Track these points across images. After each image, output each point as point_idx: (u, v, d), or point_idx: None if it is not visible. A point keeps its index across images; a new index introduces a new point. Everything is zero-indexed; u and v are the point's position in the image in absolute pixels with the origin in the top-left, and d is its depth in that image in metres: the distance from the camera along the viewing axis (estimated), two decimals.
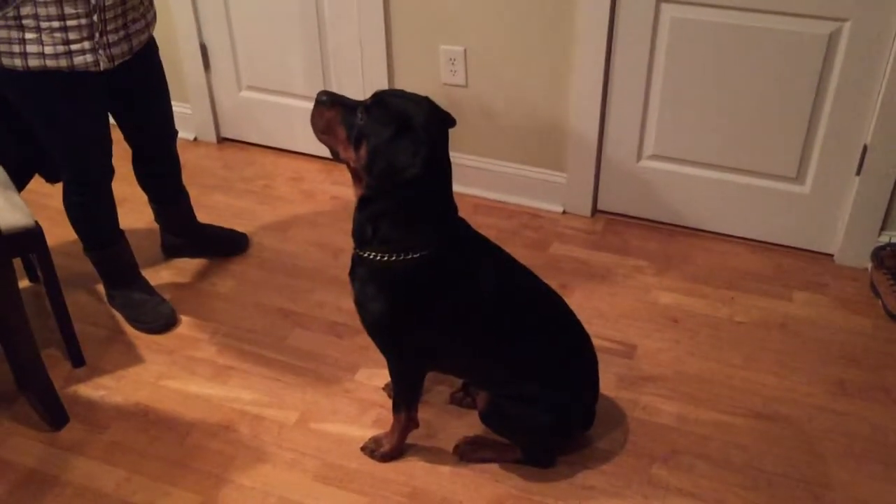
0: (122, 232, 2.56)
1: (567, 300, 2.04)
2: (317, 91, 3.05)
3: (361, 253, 1.84)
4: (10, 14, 2.00)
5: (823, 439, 2.14)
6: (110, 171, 2.41)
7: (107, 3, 2.07)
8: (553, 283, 2.61)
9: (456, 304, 1.85)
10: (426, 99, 1.79)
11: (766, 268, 2.71)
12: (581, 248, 2.82)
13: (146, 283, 2.61)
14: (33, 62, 2.05)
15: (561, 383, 1.95)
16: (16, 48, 2.04)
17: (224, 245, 2.81)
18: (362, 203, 1.80)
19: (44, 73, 2.08)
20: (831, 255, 2.72)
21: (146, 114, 2.44)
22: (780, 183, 2.67)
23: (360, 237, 1.83)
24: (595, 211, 2.96)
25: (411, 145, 1.68)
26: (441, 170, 1.79)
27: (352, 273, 1.90)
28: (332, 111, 1.79)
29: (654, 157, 2.79)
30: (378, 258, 1.81)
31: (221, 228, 2.85)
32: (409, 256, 1.79)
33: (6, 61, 2.06)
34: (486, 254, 1.93)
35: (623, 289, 2.64)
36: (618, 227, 2.91)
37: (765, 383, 2.29)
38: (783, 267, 2.71)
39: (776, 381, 2.30)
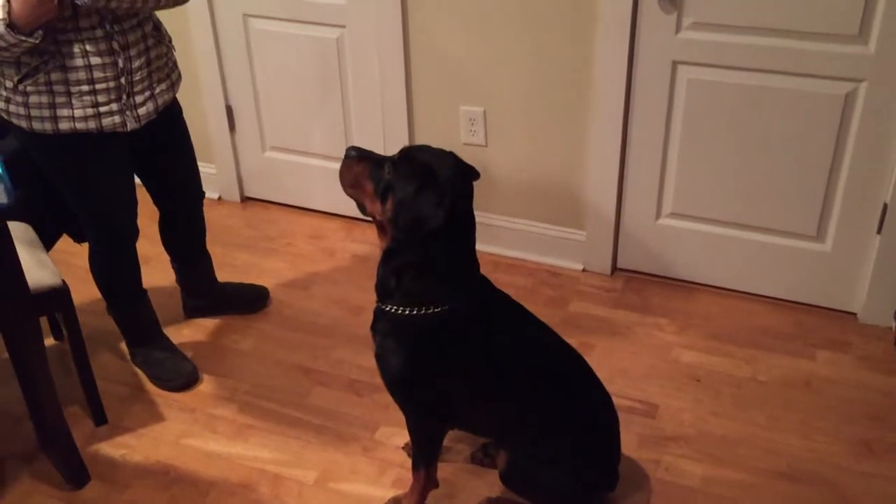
0: (144, 291, 2.59)
1: (587, 358, 2.04)
2: (339, 151, 3.12)
3: (384, 306, 1.86)
4: (41, 80, 2.06)
5: (851, 502, 2.10)
6: (135, 232, 2.45)
7: (134, 66, 2.14)
8: (573, 341, 2.61)
9: (476, 360, 1.86)
10: (451, 153, 1.84)
11: (788, 326, 2.69)
12: (601, 306, 2.82)
13: (168, 340, 2.63)
14: (63, 125, 2.11)
15: (582, 443, 1.94)
16: (46, 112, 2.09)
17: (245, 301, 2.83)
18: (387, 256, 1.83)
19: (72, 135, 2.13)
20: (854, 314, 2.70)
21: (171, 174, 2.50)
22: (800, 241, 2.67)
23: (384, 290, 1.85)
24: (615, 269, 2.97)
25: (435, 197, 1.72)
26: (464, 223, 1.82)
27: (373, 327, 1.91)
28: (360, 166, 1.83)
29: (673, 215, 2.80)
30: (400, 311, 1.83)
31: (241, 284, 2.88)
32: (431, 311, 1.81)
33: (36, 125, 2.11)
34: (508, 311, 1.94)
35: (644, 347, 2.63)
36: (638, 284, 2.91)
37: (790, 443, 2.26)
38: (805, 325, 2.69)
39: (801, 442, 2.27)
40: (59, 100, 2.08)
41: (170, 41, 2.32)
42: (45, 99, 2.08)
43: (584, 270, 2.98)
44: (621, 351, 2.61)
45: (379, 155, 1.84)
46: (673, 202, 2.78)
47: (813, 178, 2.55)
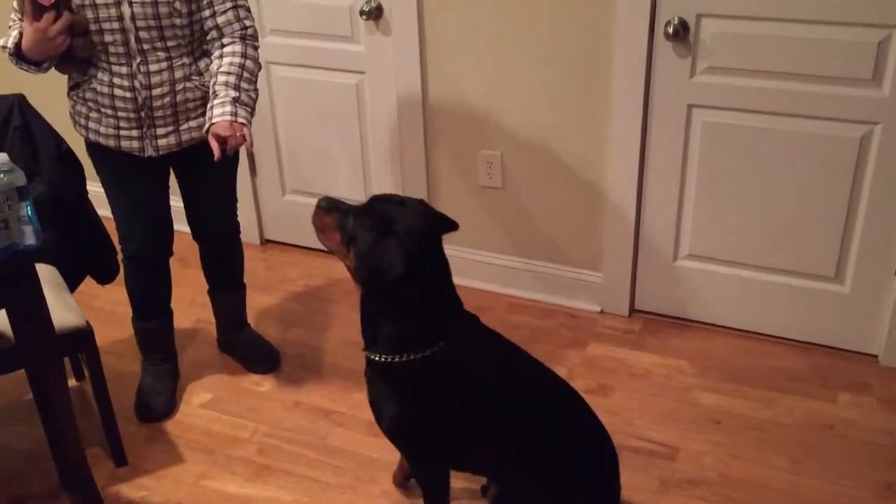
0: (167, 311, 2.64)
1: (606, 401, 2.04)
2: (358, 194, 3.17)
3: (370, 354, 1.86)
4: (81, 94, 2.29)
5: None
6: (158, 249, 2.50)
7: (155, 104, 2.24)
8: (591, 384, 2.63)
9: (467, 402, 1.85)
10: (418, 202, 1.84)
11: (808, 368, 2.67)
12: (619, 348, 2.82)
13: (168, 371, 2.66)
14: (91, 135, 2.33)
15: (576, 482, 1.91)
16: (81, 120, 2.34)
17: (252, 358, 2.79)
18: (363, 304, 1.85)
19: (99, 144, 2.31)
20: (875, 356, 2.68)
21: (203, 203, 2.54)
22: (818, 283, 2.67)
23: (367, 338, 1.87)
24: (632, 310, 2.97)
25: (393, 248, 1.72)
26: (433, 271, 1.82)
27: (366, 373, 1.92)
28: (329, 216, 1.86)
29: (691, 256, 2.81)
30: (385, 359, 1.83)
31: (259, 342, 2.83)
32: (414, 357, 1.81)
33: (77, 129, 2.37)
34: (495, 349, 1.93)
35: (663, 389, 2.62)
36: (656, 326, 2.91)
37: (812, 487, 2.24)
38: (825, 368, 2.67)
39: (823, 486, 2.24)
40: (92, 114, 2.30)
41: None
42: (82, 109, 2.32)
43: (601, 312, 2.99)
44: (640, 393, 2.60)
45: (348, 205, 1.85)
46: (690, 244, 2.79)
47: (830, 220, 2.56)
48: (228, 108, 2.17)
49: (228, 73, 2.22)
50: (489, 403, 1.86)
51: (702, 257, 2.80)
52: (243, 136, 2.15)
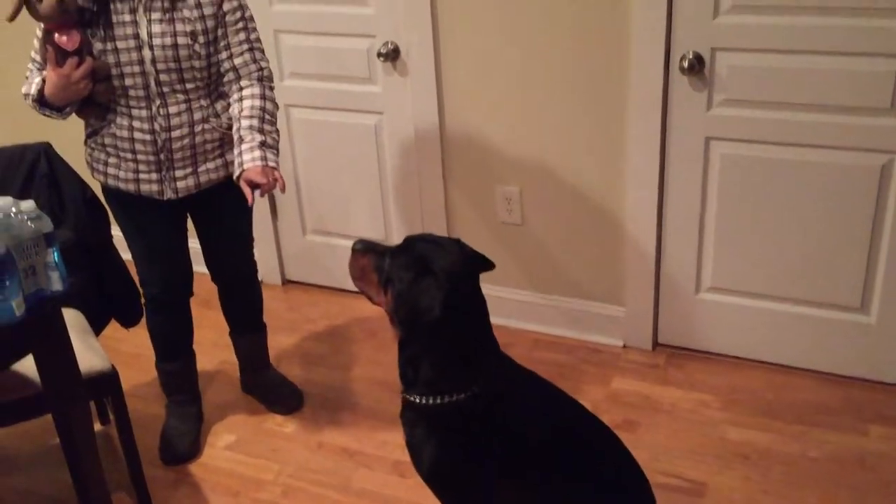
0: (190, 352, 2.66)
1: (632, 436, 2.02)
2: (378, 233, 3.19)
3: (408, 396, 1.86)
4: (99, 140, 2.32)
5: None
6: (178, 291, 2.53)
7: (174, 146, 2.28)
8: (617, 419, 2.60)
9: (507, 444, 1.82)
10: (455, 242, 1.85)
11: (837, 400, 2.64)
12: (643, 383, 2.79)
13: (191, 413, 2.67)
14: (110, 181, 2.36)
15: None
16: (100, 167, 2.36)
17: (276, 398, 2.79)
18: (401, 346, 1.84)
19: (118, 189, 2.35)
20: None
21: (220, 245, 2.56)
22: (844, 313, 2.65)
23: (405, 379, 1.85)
24: (656, 344, 2.95)
25: (431, 289, 1.72)
26: (471, 311, 1.81)
27: (402, 415, 1.91)
28: (365, 258, 1.85)
29: (713, 289, 2.80)
30: (424, 401, 1.82)
31: (283, 382, 2.84)
32: (454, 398, 1.80)
33: (96, 175, 2.39)
34: (534, 390, 1.91)
35: (689, 424, 2.59)
36: (680, 360, 2.89)
37: None
38: (854, 399, 2.64)
39: None
40: (111, 160, 2.33)
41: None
42: (100, 155, 2.35)
43: (624, 346, 2.97)
44: (666, 428, 2.58)
45: (384, 246, 1.86)
46: (712, 276, 2.77)
47: (853, 250, 2.54)
48: (258, 153, 2.20)
49: (251, 117, 2.25)
50: (530, 445, 1.84)
51: (724, 290, 2.78)
52: (275, 179, 2.18)
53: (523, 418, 1.85)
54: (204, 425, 2.73)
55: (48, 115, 2.23)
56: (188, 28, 2.19)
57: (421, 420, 1.85)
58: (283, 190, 2.22)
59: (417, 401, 1.83)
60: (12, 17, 2.09)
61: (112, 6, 2.15)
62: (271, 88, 2.33)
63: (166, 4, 2.17)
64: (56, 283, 1.88)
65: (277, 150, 2.27)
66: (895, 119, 2.36)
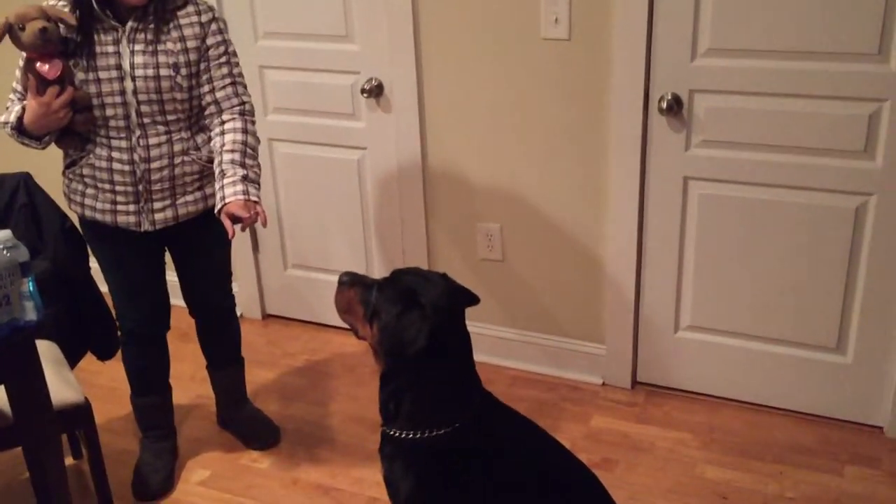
0: (166, 387, 2.64)
1: (611, 475, 2.01)
2: (360, 267, 3.19)
3: (388, 430, 1.85)
4: (77, 171, 2.31)
5: None
6: (155, 325, 2.51)
7: (153, 178, 2.28)
8: (595, 458, 2.60)
9: (486, 482, 1.81)
10: (441, 276, 1.86)
11: (814, 441, 2.64)
12: (623, 421, 2.79)
13: (166, 448, 2.64)
14: (87, 212, 2.35)
15: None
16: (77, 198, 2.35)
17: (252, 434, 2.77)
18: (383, 380, 1.84)
19: (95, 221, 2.33)
20: (881, 428, 2.65)
21: (197, 278, 2.55)
22: (820, 353, 2.66)
23: (386, 414, 1.85)
24: (635, 383, 2.95)
25: (417, 321, 1.73)
26: (455, 345, 1.82)
27: (381, 450, 1.90)
28: (352, 291, 1.86)
29: (692, 327, 2.81)
30: (404, 435, 1.81)
31: (257, 417, 2.81)
32: (434, 433, 1.79)
33: (73, 206, 2.38)
34: (514, 428, 1.91)
35: (668, 463, 2.58)
36: (659, 398, 2.89)
37: None
38: (831, 440, 2.64)
39: None
40: (88, 191, 2.32)
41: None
42: (78, 186, 2.33)
43: (604, 384, 2.97)
44: (645, 467, 2.57)
45: (370, 279, 1.87)
46: (691, 315, 2.79)
47: (829, 290, 2.57)
48: (240, 187, 2.21)
49: (233, 151, 2.26)
50: (509, 483, 1.83)
51: (703, 328, 2.79)
52: (257, 213, 2.19)
53: (503, 456, 1.84)
54: (178, 460, 2.69)
55: (26, 144, 2.22)
56: (171, 60, 2.21)
57: (400, 455, 1.84)
58: (264, 224, 2.22)
59: (398, 435, 1.82)
60: None
61: (96, 37, 2.17)
62: (253, 123, 2.35)
63: (150, 36, 2.18)
64: (30, 313, 1.87)
65: (259, 184, 2.28)
66: (869, 161, 2.40)
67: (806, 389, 2.71)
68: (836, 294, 2.57)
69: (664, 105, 2.53)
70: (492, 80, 2.75)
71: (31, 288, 1.86)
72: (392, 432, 1.84)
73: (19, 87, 2.24)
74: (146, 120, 2.23)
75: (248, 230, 3.30)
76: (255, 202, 2.21)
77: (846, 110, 2.37)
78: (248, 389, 2.89)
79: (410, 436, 1.81)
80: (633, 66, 2.53)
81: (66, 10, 2.15)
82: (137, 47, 2.18)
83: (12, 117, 2.19)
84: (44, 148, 2.25)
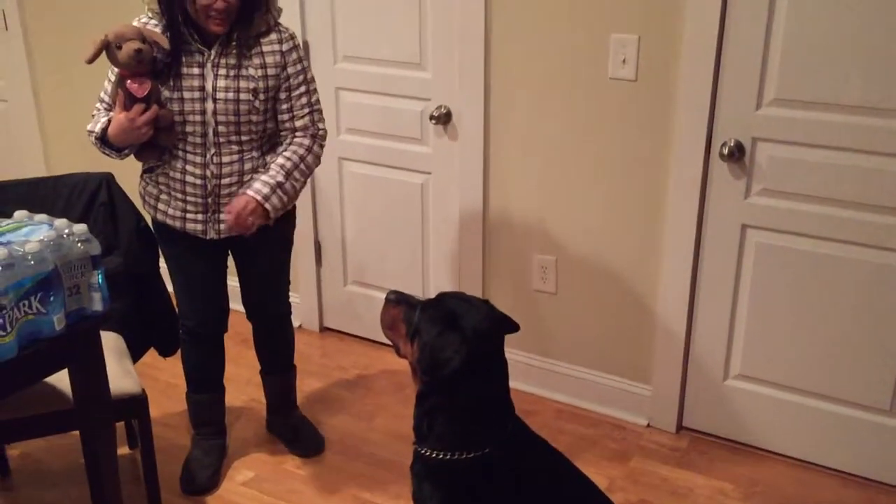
0: (220, 387, 2.74)
1: None
2: (415, 289, 3.25)
3: (420, 449, 1.89)
4: (153, 177, 2.45)
5: None
6: (213, 325, 2.62)
7: (223, 192, 2.40)
8: (632, 499, 2.59)
9: None
10: (484, 302, 1.90)
11: (859, 503, 2.57)
12: (663, 465, 2.77)
13: (216, 446, 2.73)
14: (159, 216, 2.49)
15: None
16: (151, 201, 2.49)
17: (298, 441, 2.84)
18: (419, 398, 1.88)
19: (166, 225, 2.46)
20: None
21: (255, 284, 2.66)
22: (872, 415, 2.60)
23: (419, 432, 1.89)
24: (680, 427, 2.93)
25: (455, 343, 1.78)
26: (492, 371, 1.85)
27: (412, 467, 1.94)
28: (397, 309, 1.93)
29: (741, 377, 2.78)
30: (434, 455, 1.85)
31: (306, 427, 2.88)
32: (465, 456, 1.82)
33: (147, 208, 2.52)
34: (545, 459, 1.92)
35: None
36: (703, 445, 2.86)
37: None
38: (877, 503, 2.57)
39: None
40: (162, 196, 2.46)
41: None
42: (153, 191, 2.48)
43: (648, 426, 2.95)
44: None
45: (416, 299, 1.93)
46: (741, 364, 2.76)
47: (885, 350, 2.51)
48: (266, 191, 2.33)
49: (288, 159, 2.39)
50: None
51: (752, 378, 2.76)
52: (248, 226, 2.31)
53: (531, 486, 1.86)
54: (226, 459, 2.79)
55: (107, 154, 2.36)
56: (251, 85, 2.33)
57: (429, 474, 1.88)
58: (245, 231, 2.33)
59: (428, 454, 1.87)
60: (91, 60, 2.24)
61: (183, 58, 2.30)
62: (321, 146, 2.47)
63: (232, 62, 2.31)
64: (97, 304, 1.98)
65: (290, 198, 2.39)
66: None
67: (855, 450, 2.65)
68: (891, 355, 2.51)
69: (726, 151, 2.53)
70: (557, 114, 2.80)
71: (100, 280, 1.97)
72: (423, 451, 1.88)
73: (107, 98, 2.39)
74: (222, 139, 2.35)
75: (314, 244, 3.43)
76: (262, 207, 2.31)
77: None
78: (299, 398, 2.97)
79: (441, 456, 1.85)
80: (698, 110, 2.55)
81: (159, 31, 2.29)
82: (221, 72, 2.31)
83: (98, 127, 2.33)
84: (122, 159, 2.39)
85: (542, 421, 2.94)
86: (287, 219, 2.56)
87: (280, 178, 2.36)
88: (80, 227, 1.95)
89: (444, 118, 3.01)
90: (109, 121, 2.30)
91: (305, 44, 3.21)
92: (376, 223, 3.33)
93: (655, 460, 2.79)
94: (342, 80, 3.21)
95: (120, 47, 2.20)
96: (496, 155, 2.96)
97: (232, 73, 2.31)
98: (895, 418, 2.57)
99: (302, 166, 2.40)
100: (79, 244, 1.93)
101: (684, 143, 2.60)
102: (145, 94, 2.24)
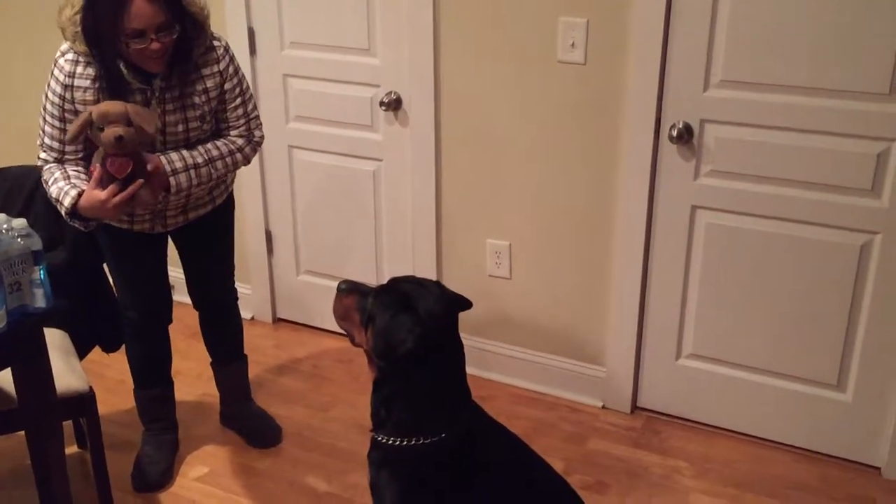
0: (168, 380, 2.69)
1: (603, 498, 2.02)
2: (370, 277, 3.23)
3: (377, 436, 1.88)
4: None
5: None
6: (156, 317, 2.57)
7: (170, 205, 2.38)
8: (588, 480, 2.61)
9: (469, 495, 1.84)
10: (436, 284, 1.90)
11: (811, 478, 2.63)
12: (619, 445, 2.79)
13: (167, 441, 2.69)
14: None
15: None
16: None
17: (254, 432, 2.82)
18: (376, 385, 1.88)
19: (111, 225, 2.40)
20: (878, 468, 2.64)
21: (201, 267, 2.62)
22: (820, 389, 2.65)
23: (376, 420, 1.88)
24: (634, 408, 2.96)
25: (408, 324, 1.77)
26: (447, 353, 1.85)
27: (369, 455, 1.93)
28: (349, 298, 1.91)
29: (693, 356, 2.81)
30: (392, 442, 1.84)
31: (261, 416, 2.86)
32: (422, 442, 1.82)
33: None
34: (502, 444, 1.93)
35: (661, 490, 2.59)
36: (658, 425, 2.89)
37: None
38: (828, 478, 2.63)
39: None
40: None
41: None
42: None
43: (603, 407, 2.98)
44: (637, 493, 2.57)
45: (368, 287, 1.92)
46: (693, 343, 2.80)
47: (831, 326, 2.57)
48: (178, 164, 2.24)
49: (218, 148, 2.35)
50: (491, 498, 1.85)
51: (704, 357, 2.80)
52: (132, 189, 2.13)
53: (488, 470, 1.86)
54: (179, 455, 2.75)
55: (73, 224, 2.22)
56: (198, 112, 2.30)
57: (387, 462, 1.87)
58: (125, 199, 2.14)
59: (386, 441, 1.86)
60: (74, 138, 2.13)
61: (130, 97, 2.20)
62: (254, 150, 2.45)
63: (176, 93, 2.26)
64: (40, 301, 1.93)
65: (199, 184, 2.30)
66: (876, 200, 2.41)
67: (805, 425, 2.70)
68: (838, 331, 2.56)
69: (675, 133, 2.55)
70: (507, 99, 2.79)
71: (41, 276, 1.92)
72: (381, 438, 1.87)
73: (56, 145, 2.23)
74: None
75: (264, 234, 3.39)
76: (164, 177, 2.20)
77: (855, 148, 2.38)
78: (253, 391, 2.93)
79: (398, 443, 1.84)
80: (646, 93, 2.56)
81: (89, 71, 2.16)
82: (168, 107, 2.26)
83: (67, 201, 2.15)
84: (88, 230, 2.26)
85: (499, 406, 2.94)
86: (227, 206, 2.55)
87: (199, 160, 2.29)
88: (20, 222, 1.89)
89: (394, 104, 2.98)
90: (79, 194, 2.14)
91: (251, 31, 3.16)
92: (328, 212, 3.30)
93: (611, 441, 2.82)
94: (290, 67, 3.16)
95: (102, 129, 2.08)
96: (448, 140, 2.94)
97: (178, 104, 2.27)
98: (843, 393, 2.63)
99: (228, 159, 2.36)
100: (18, 239, 1.87)
101: (634, 126, 2.61)
102: (124, 175, 2.12)
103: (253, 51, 3.18)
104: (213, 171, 2.33)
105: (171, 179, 2.24)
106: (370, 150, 3.12)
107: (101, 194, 2.11)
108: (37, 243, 1.90)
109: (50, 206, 2.60)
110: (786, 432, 2.74)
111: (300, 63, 3.13)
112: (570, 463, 2.70)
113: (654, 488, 2.59)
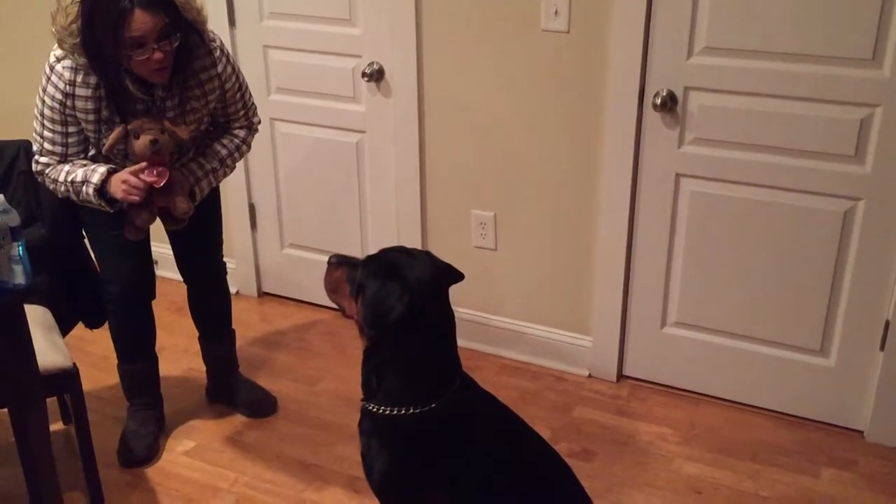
0: (152, 355, 2.68)
1: (589, 465, 2.03)
2: (355, 250, 3.22)
3: (368, 405, 1.88)
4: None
5: None
6: (139, 290, 2.56)
7: (158, 189, 2.32)
8: (575, 448, 2.63)
9: (459, 464, 1.84)
10: (425, 253, 1.89)
11: (793, 442, 2.66)
12: (605, 413, 2.81)
13: (152, 416, 2.68)
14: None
15: None
16: None
17: (251, 404, 2.82)
18: (366, 355, 1.87)
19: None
20: (861, 432, 2.67)
21: (189, 241, 2.59)
22: (804, 355, 2.67)
23: (367, 389, 1.88)
24: (620, 376, 2.97)
25: (397, 291, 1.77)
26: (437, 322, 1.84)
27: (360, 425, 1.93)
28: (339, 270, 1.91)
29: (678, 324, 2.83)
30: (382, 411, 1.85)
31: (255, 387, 2.87)
32: (412, 411, 1.82)
33: None
34: (492, 413, 1.93)
35: (646, 456, 2.61)
36: (643, 392, 2.91)
37: None
38: (811, 442, 2.66)
39: None
40: None
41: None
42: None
43: (589, 376, 2.99)
44: (623, 460, 2.59)
45: (357, 259, 1.91)
46: (678, 311, 2.81)
47: (815, 293, 2.58)
48: (199, 173, 2.37)
49: (225, 146, 2.43)
50: (482, 469, 1.86)
51: (689, 325, 2.81)
52: (185, 210, 2.29)
53: (478, 440, 1.86)
54: (165, 430, 2.74)
55: (99, 205, 2.25)
56: (197, 116, 2.30)
57: (377, 431, 1.87)
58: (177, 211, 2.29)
59: (376, 410, 1.86)
60: (110, 148, 2.20)
61: (129, 108, 2.20)
62: (253, 136, 2.51)
63: (176, 101, 2.25)
64: (19, 277, 1.91)
65: (215, 182, 2.45)
66: (859, 166, 2.41)
67: (789, 390, 2.73)
68: (821, 297, 2.58)
69: (658, 101, 2.54)
70: (491, 68, 2.77)
71: (20, 252, 1.90)
72: (371, 408, 1.87)
73: (57, 150, 2.24)
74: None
75: (248, 207, 3.36)
76: (191, 191, 2.33)
77: (838, 114, 2.38)
78: (240, 365, 2.92)
79: (388, 412, 1.84)
80: (630, 60, 2.54)
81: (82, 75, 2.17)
82: (169, 115, 2.25)
83: (96, 178, 2.19)
84: (113, 210, 2.28)
85: (486, 376, 2.95)
86: None
87: (214, 164, 2.40)
88: None
89: (376, 75, 2.95)
90: (109, 172, 2.20)
91: (230, 1, 3.11)
92: (311, 184, 3.27)
93: (597, 409, 2.84)
94: (270, 38, 3.11)
95: (137, 136, 2.17)
96: (431, 111, 2.92)
97: (178, 111, 2.27)
98: (826, 358, 2.65)
99: (236, 154, 2.47)
100: None
101: (618, 94, 2.60)
102: (162, 183, 2.20)
103: (232, 22, 3.14)
104: (226, 170, 2.46)
105: (195, 189, 2.33)
106: (353, 121, 3.09)
107: (133, 179, 2.18)
108: (14, 219, 1.88)
109: (28, 181, 2.58)
110: (770, 398, 2.77)
111: (280, 34, 3.09)
112: (556, 431, 2.71)
113: (640, 455, 2.61)
